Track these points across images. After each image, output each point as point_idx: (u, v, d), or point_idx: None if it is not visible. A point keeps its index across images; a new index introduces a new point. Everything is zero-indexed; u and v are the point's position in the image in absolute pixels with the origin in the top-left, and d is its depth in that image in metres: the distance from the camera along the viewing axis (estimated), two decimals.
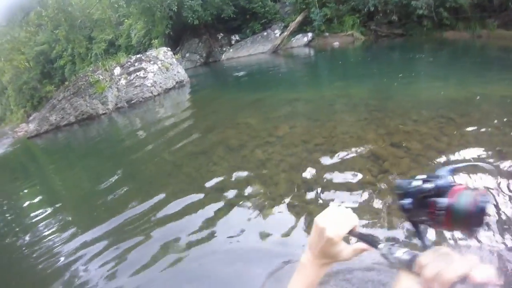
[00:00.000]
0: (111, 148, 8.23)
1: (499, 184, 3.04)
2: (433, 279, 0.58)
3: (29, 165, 10.70)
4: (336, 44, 15.69)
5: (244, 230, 3.23)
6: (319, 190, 3.52)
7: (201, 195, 4.04)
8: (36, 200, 6.31)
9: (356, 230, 0.81)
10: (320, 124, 5.37)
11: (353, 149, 4.15)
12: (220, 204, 3.75)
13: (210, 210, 3.69)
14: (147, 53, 13.59)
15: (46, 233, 4.44)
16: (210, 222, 3.47)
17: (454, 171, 0.74)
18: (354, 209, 2.79)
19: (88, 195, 5.53)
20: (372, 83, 7.79)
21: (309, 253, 0.83)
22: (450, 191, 0.65)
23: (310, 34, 17.32)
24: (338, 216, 0.82)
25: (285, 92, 8.58)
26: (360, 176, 3.57)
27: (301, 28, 17.86)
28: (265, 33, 18.99)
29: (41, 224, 4.81)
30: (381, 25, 15.44)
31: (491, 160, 3.46)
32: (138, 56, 13.22)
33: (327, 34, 16.75)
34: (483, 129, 4.12)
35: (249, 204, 3.61)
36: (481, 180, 3.11)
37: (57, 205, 5.58)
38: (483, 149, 3.63)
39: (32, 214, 5.38)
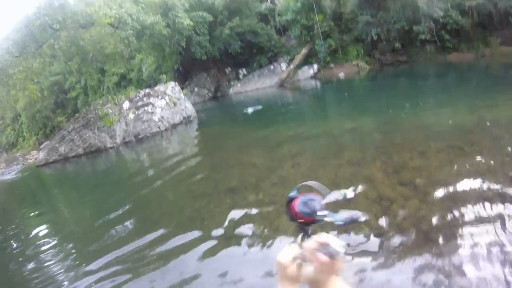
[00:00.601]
0: (117, 182, 8.24)
1: None
2: (304, 248, 1.04)
3: (37, 192, 10.79)
4: (341, 74, 15.86)
5: (242, 276, 3.11)
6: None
7: (200, 237, 3.92)
8: (41, 227, 6.37)
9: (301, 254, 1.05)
10: (325, 162, 5.27)
11: (359, 191, 3.99)
12: (218, 246, 3.63)
13: (207, 252, 3.57)
14: (155, 88, 13.90)
15: (48, 261, 4.50)
16: (205, 264, 3.37)
17: (299, 189, 1.21)
18: (358, 255, 2.74)
19: (91, 226, 5.55)
20: (378, 114, 7.74)
21: (279, 283, 1.07)
22: (296, 198, 1.13)
23: (315, 66, 17.61)
24: (286, 248, 1.10)
25: (290, 128, 8.57)
26: (365, 221, 3.39)
27: (307, 60, 18.20)
28: (271, 67, 19.39)
29: (44, 251, 4.92)
30: (385, 53, 15.63)
31: (506, 189, 3.29)
32: (146, 91, 13.52)
33: (332, 65, 17.00)
34: (494, 158, 3.96)
35: (247, 248, 3.48)
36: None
37: (61, 234, 5.65)
38: (496, 181, 3.46)
39: (36, 241, 5.47)
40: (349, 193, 4.03)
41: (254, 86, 19.09)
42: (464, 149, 4.37)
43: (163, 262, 3.64)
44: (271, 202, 4.42)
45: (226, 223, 4.11)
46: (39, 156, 15.62)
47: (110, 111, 12.62)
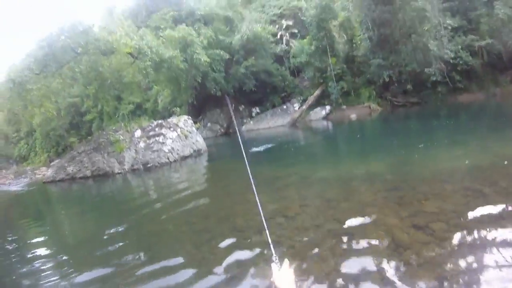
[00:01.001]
0: (119, 207, 8.19)
1: None
2: None
3: (40, 207, 10.77)
4: (353, 116, 15.93)
5: None
6: (329, 285, 3.12)
7: (197, 275, 3.73)
8: (39, 238, 6.48)
9: None
10: (334, 205, 5.06)
11: (371, 236, 3.75)
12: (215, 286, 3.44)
13: None
14: (168, 120, 14.16)
15: (40, 269, 4.62)
16: None
17: None
18: None
19: (89, 243, 5.57)
20: (390, 156, 7.60)
21: None
22: None
23: (328, 107, 17.80)
24: None
25: (300, 168, 8.43)
26: (379, 268, 3.17)
27: (319, 101, 18.46)
28: (284, 106, 19.71)
29: (38, 259, 5.05)
30: (397, 95, 15.74)
31: None
32: (159, 121, 13.76)
33: (344, 106, 17.17)
34: None
35: None
36: None
37: (56, 246, 5.79)
38: None
39: (32, 249, 5.62)
40: (361, 238, 3.80)
41: (267, 124, 19.33)
42: (482, 191, 4.18)
43: None
44: (277, 244, 4.27)
45: (227, 263, 3.91)
46: (47, 172, 15.78)
47: (121, 137, 12.82)
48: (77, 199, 10.29)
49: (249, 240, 4.49)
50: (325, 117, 17.60)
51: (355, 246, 3.67)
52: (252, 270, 3.63)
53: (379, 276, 3.08)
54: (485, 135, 7.32)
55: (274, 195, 6.38)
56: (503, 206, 3.69)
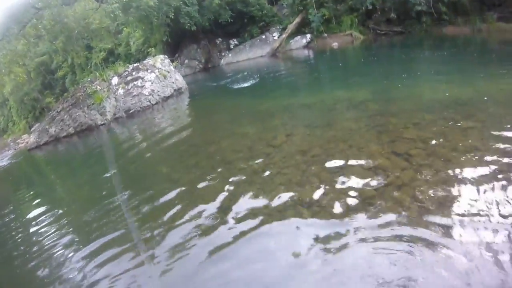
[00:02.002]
0: (109, 158, 8.02)
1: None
2: None
3: (30, 176, 10.65)
4: (335, 44, 15.51)
5: (239, 246, 3.10)
6: (316, 205, 3.34)
7: (195, 210, 3.89)
8: (37, 209, 6.27)
9: None
10: (319, 133, 5.19)
11: (353, 160, 3.95)
12: (214, 218, 3.61)
13: (202, 225, 3.54)
14: (144, 61, 13.49)
15: (46, 241, 4.53)
16: (202, 238, 3.34)
17: None
18: (354, 227, 2.68)
19: (88, 204, 5.48)
20: (373, 85, 7.56)
21: None
22: None
23: (308, 36, 17.15)
24: None
25: (283, 98, 8.41)
26: (361, 190, 3.38)
27: (300, 30, 17.69)
28: (263, 37, 18.85)
29: (42, 232, 4.91)
30: (380, 23, 15.24)
31: (500, 162, 3.24)
32: (135, 65, 13.10)
33: (325, 34, 16.58)
34: (489, 131, 3.92)
35: (243, 219, 3.45)
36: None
37: (57, 214, 5.63)
38: (490, 153, 3.43)
39: (33, 222, 5.47)
40: (343, 162, 3.99)
41: (246, 56, 18.64)
42: (460, 123, 4.30)
43: (161, 237, 3.63)
44: (265, 172, 4.33)
45: (221, 195, 4.07)
46: (30, 139, 15.30)
47: (99, 88, 12.26)
48: (66, 160, 10.18)
49: (239, 171, 4.57)
50: (306, 46, 17.03)
51: (340, 171, 3.84)
52: (244, 204, 3.78)
53: (361, 196, 3.30)
54: (467, 70, 7.26)
55: (259, 126, 6.46)
56: (478, 137, 3.85)
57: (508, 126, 3.93)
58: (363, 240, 2.76)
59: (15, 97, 31.16)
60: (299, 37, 17.43)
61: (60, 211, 5.80)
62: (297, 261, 2.75)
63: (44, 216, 5.63)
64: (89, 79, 13.36)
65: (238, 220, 3.47)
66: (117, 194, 5.22)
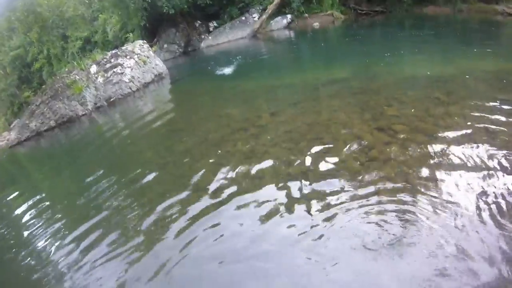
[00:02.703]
0: (94, 149, 7.90)
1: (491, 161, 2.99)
2: None
3: (14, 175, 10.34)
4: (316, 24, 15.42)
5: (228, 226, 3.15)
6: (304, 182, 3.40)
7: (184, 195, 3.90)
8: (23, 207, 6.12)
9: None
10: (303, 111, 5.21)
11: (338, 137, 4.01)
12: (203, 202, 3.62)
13: (193, 209, 3.56)
14: (123, 47, 13.13)
15: (37, 239, 4.43)
16: (194, 222, 3.35)
17: None
18: (342, 201, 2.82)
19: (75, 199, 5.32)
20: (354, 64, 7.60)
21: None
22: None
23: (289, 16, 16.98)
24: None
25: (266, 78, 8.40)
26: (346, 166, 3.45)
27: (280, 11, 17.48)
28: (243, 18, 18.54)
29: (32, 230, 4.77)
30: (361, 3, 15.19)
31: (479, 135, 3.36)
32: (113, 52, 12.75)
33: (306, 15, 16.45)
34: (469, 108, 4.02)
35: (232, 200, 3.49)
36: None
37: (46, 211, 5.46)
38: (470, 129, 3.55)
39: (21, 221, 5.35)
40: (328, 139, 4.05)
41: (226, 38, 18.33)
42: (440, 99, 4.40)
43: (153, 222, 3.62)
44: (252, 152, 4.37)
45: (209, 178, 4.08)
46: (10, 136, 14.86)
47: (77, 77, 11.93)
48: (49, 153, 9.98)
49: (227, 153, 4.59)
50: (287, 27, 16.86)
51: (324, 148, 3.90)
52: (233, 184, 3.80)
53: (348, 171, 3.39)
54: (448, 49, 7.36)
55: (243, 107, 6.42)
56: (459, 112, 3.95)
57: (488, 101, 4.06)
58: (350, 210, 2.86)
59: None
60: (279, 17, 17.22)
61: (48, 208, 5.63)
62: (289, 234, 2.83)
63: (32, 214, 5.52)
64: (66, 70, 12.99)
65: (226, 200, 3.52)
66: (103, 187, 5.13)
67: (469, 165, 3.04)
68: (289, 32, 16.11)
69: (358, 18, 14.61)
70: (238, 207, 3.34)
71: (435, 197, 2.76)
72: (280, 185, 3.47)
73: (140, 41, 13.90)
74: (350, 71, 7.03)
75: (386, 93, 5.08)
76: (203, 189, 3.87)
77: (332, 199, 3.04)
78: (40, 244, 4.19)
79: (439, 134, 3.58)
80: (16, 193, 7.48)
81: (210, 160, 4.52)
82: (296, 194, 3.28)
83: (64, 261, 3.56)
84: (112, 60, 12.23)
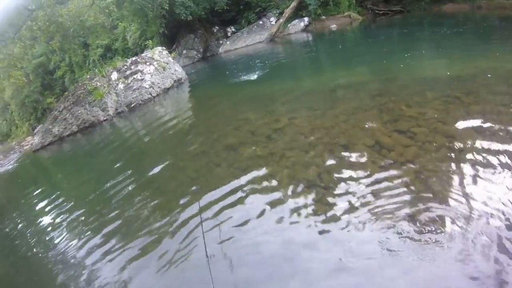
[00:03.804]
0: (115, 152, 8.12)
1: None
2: None
3: (38, 177, 10.66)
4: (333, 26, 15.30)
5: (248, 229, 3.14)
6: (322, 186, 3.36)
7: (203, 198, 3.91)
8: (48, 209, 6.26)
9: None
10: (321, 114, 5.17)
11: (356, 140, 3.95)
12: (221, 205, 3.63)
13: (211, 212, 3.57)
14: (142, 54, 13.39)
15: (59, 241, 4.56)
16: (213, 224, 3.37)
17: None
18: (359, 205, 2.82)
19: (98, 200, 5.50)
20: (373, 65, 7.46)
21: None
22: None
23: (306, 19, 16.92)
24: None
25: (284, 82, 8.34)
26: (365, 169, 3.39)
27: (297, 14, 17.44)
28: (260, 22, 18.59)
29: (55, 232, 4.93)
30: (378, 3, 14.97)
31: (500, 141, 3.21)
32: (133, 58, 13.01)
33: (323, 17, 16.34)
34: (491, 108, 3.88)
35: (251, 204, 3.49)
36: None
37: (70, 213, 5.58)
38: (492, 130, 3.42)
39: (45, 223, 5.52)
40: (346, 142, 3.99)
41: (244, 43, 18.39)
42: (461, 99, 4.27)
43: (170, 224, 3.68)
44: (269, 156, 4.35)
45: (227, 180, 4.10)
46: (34, 141, 15.30)
47: (98, 84, 12.21)
48: (73, 158, 10.14)
49: (244, 157, 4.60)
50: (305, 29, 16.79)
51: (343, 150, 3.86)
52: (251, 189, 3.81)
53: (366, 174, 3.32)
54: (469, 47, 7.14)
55: (262, 111, 6.38)
56: (481, 112, 3.80)
57: (510, 102, 3.91)
58: (370, 217, 2.79)
59: (16, 100, 31.16)
60: (297, 20, 17.19)
61: (71, 210, 5.74)
62: (307, 240, 2.80)
63: (55, 215, 5.66)
64: (88, 77, 13.28)
65: (248, 202, 3.52)
66: (125, 189, 5.24)
67: (492, 167, 2.92)
68: (306, 35, 16.03)
69: (376, 19, 14.39)
70: (255, 210, 3.34)
71: (457, 201, 2.68)
72: (297, 188, 3.45)
73: (159, 48, 14.12)
74: (368, 73, 6.92)
75: (405, 94, 4.97)
76: (218, 193, 3.88)
77: (350, 204, 3.00)
78: (58, 242, 4.41)
79: (460, 136, 3.47)
80: (40, 195, 7.71)
81: (228, 164, 4.54)
82: (313, 198, 3.24)
83: (83, 258, 3.74)
84: (132, 67, 12.45)
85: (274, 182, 3.69)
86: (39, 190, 8.15)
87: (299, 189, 3.42)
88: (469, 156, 3.13)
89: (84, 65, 25.77)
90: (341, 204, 3.02)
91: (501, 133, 3.32)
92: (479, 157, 3.06)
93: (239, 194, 3.70)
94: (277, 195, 3.49)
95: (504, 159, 2.96)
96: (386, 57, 7.81)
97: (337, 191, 3.20)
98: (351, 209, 2.93)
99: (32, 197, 7.75)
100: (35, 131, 22.84)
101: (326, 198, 3.17)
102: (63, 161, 10.53)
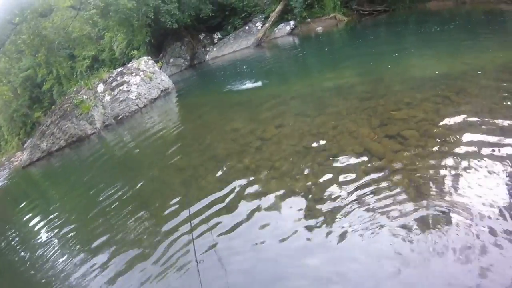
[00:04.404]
0: (103, 166, 8.03)
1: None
2: None
3: (28, 194, 10.47)
4: (319, 29, 15.33)
5: (234, 244, 3.08)
6: (310, 198, 3.26)
7: (189, 213, 3.79)
8: (38, 225, 6.27)
9: None
10: (309, 121, 5.07)
11: (346, 147, 3.85)
12: (210, 220, 3.55)
13: (199, 229, 3.47)
14: (128, 65, 13.25)
15: (49, 256, 4.59)
16: (199, 241, 3.27)
17: None
18: (351, 216, 2.72)
19: (86, 215, 5.45)
20: (360, 67, 7.41)
21: None
22: None
23: (292, 22, 16.94)
24: None
25: (271, 87, 8.30)
26: (355, 178, 3.29)
27: (283, 17, 17.44)
28: (246, 27, 18.58)
29: (45, 248, 4.93)
30: (363, 3, 15.01)
31: (495, 136, 3.17)
32: (119, 69, 12.89)
33: (309, 20, 16.37)
34: (482, 106, 3.81)
35: (238, 218, 3.40)
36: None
37: (60, 228, 5.59)
38: (484, 129, 3.34)
39: (37, 239, 5.55)
40: (335, 150, 3.89)
41: (231, 49, 18.33)
42: (451, 98, 4.20)
43: (158, 238, 3.65)
44: (257, 167, 4.27)
45: (214, 194, 4.03)
46: (23, 157, 15.09)
47: (85, 97, 12.07)
48: (60, 173, 10.15)
49: (231, 169, 4.55)
50: (291, 33, 16.80)
51: (331, 160, 3.75)
52: (238, 202, 3.73)
53: (356, 184, 3.22)
54: (456, 44, 7.08)
55: (248, 119, 6.31)
56: (472, 113, 3.71)
57: (502, 98, 3.84)
58: (360, 226, 2.71)
59: (4, 115, 30.82)
60: (282, 24, 17.19)
61: (61, 227, 5.71)
62: (297, 248, 2.73)
63: (46, 231, 5.66)
64: (75, 89, 13.15)
65: (235, 213, 3.47)
66: (113, 203, 5.18)
67: (486, 168, 2.85)
68: (293, 38, 16.04)
69: (362, 19, 14.43)
70: (242, 224, 3.28)
71: (450, 206, 2.59)
72: (285, 202, 3.36)
73: (145, 58, 14.02)
74: (356, 75, 6.86)
75: (394, 96, 4.89)
76: (205, 207, 3.80)
77: (340, 214, 2.91)
78: (48, 257, 4.46)
79: (451, 138, 3.39)
80: (27, 208, 7.87)
81: (215, 177, 4.43)
82: (301, 211, 3.15)
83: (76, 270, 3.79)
84: (118, 78, 12.34)
85: (261, 195, 3.60)
86: (29, 207, 8.11)
87: (286, 201, 3.35)
88: (461, 159, 3.05)
89: (72, 77, 25.52)
90: (330, 215, 2.93)
91: (493, 132, 3.24)
92: (473, 159, 2.99)
93: (226, 208, 3.62)
94: (264, 204, 3.43)
95: (497, 159, 2.90)
96: (374, 57, 7.73)
97: (325, 202, 3.12)
98: (340, 218, 2.86)
99: (22, 214, 7.73)
100: (24, 146, 22.52)
101: (315, 210, 3.08)
102: (52, 177, 10.44)
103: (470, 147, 3.14)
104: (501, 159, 2.89)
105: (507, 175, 2.72)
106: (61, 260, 4.29)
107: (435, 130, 3.59)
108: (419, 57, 6.85)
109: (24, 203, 8.82)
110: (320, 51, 11.95)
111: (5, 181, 15.19)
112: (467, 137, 3.32)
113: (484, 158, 2.95)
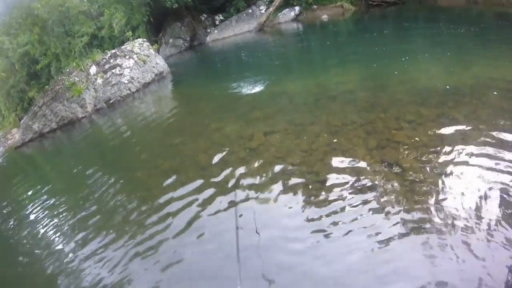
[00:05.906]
0: (93, 153, 8.00)
1: None
2: None
3: (22, 176, 10.25)
4: (325, 17, 14.69)
5: (210, 263, 2.91)
6: (291, 228, 2.92)
7: (166, 223, 3.63)
8: (32, 204, 6.17)
9: None
10: (300, 130, 4.63)
11: (336, 171, 3.46)
12: (187, 232, 3.37)
13: (175, 242, 3.31)
14: (122, 47, 12.68)
15: (48, 235, 4.62)
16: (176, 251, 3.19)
17: None
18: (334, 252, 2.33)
19: (79, 197, 5.40)
20: (364, 69, 6.88)
21: None
22: None
23: (297, 8, 16.29)
24: None
25: (267, 82, 7.80)
26: (342, 211, 2.94)
27: (288, 2, 16.78)
28: (249, 10, 17.87)
29: (42, 227, 4.95)
30: None
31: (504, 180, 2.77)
32: (113, 51, 12.35)
33: (315, 6, 15.75)
34: (492, 136, 3.36)
35: (209, 236, 3.19)
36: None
37: (51, 206, 5.65)
38: (493, 167, 2.94)
39: (32, 218, 5.50)
40: (323, 175, 3.50)
41: (232, 32, 17.69)
42: (458, 120, 3.77)
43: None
44: (240, 182, 3.90)
45: (194, 205, 3.80)
46: (15, 137, 14.81)
47: (76, 79, 11.63)
48: (52, 157, 9.89)
49: (214, 182, 4.17)
50: (295, 19, 16.17)
51: (317, 186, 3.39)
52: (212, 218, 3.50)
53: (343, 218, 2.90)
54: (467, 50, 6.56)
55: (237, 121, 5.84)
56: (481, 141, 3.32)
57: (506, 118, 3.49)
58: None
59: (1, 91, 30.38)
60: (287, 10, 16.53)
61: (51, 203, 5.80)
62: None
63: (38, 212, 5.61)
64: (67, 70, 12.69)
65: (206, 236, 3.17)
66: (104, 190, 5.15)
67: (496, 217, 2.49)
68: (297, 25, 15.42)
69: (369, 10, 13.79)
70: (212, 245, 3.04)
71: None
72: (264, 227, 3.03)
73: (140, 40, 13.50)
74: (358, 78, 6.36)
75: (396, 110, 4.41)
76: (183, 218, 3.62)
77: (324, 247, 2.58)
78: (51, 249, 4.29)
79: (456, 173, 3.00)
80: (26, 192, 7.53)
81: (195, 186, 4.11)
82: (278, 241, 2.83)
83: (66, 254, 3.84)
84: (112, 61, 11.85)
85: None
86: (24, 187, 7.99)
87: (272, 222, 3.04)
88: (460, 201, 2.69)
89: (70, 54, 24.91)
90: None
91: (504, 173, 2.83)
92: (478, 208, 2.62)
93: (202, 223, 3.41)
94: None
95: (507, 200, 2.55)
96: (379, 58, 7.16)
97: (307, 238, 2.78)
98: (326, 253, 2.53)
99: (17, 193, 7.65)
100: (21, 121, 22.23)
101: (299, 239, 2.76)
102: (44, 159, 10.22)
103: (477, 192, 2.74)
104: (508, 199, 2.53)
105: None
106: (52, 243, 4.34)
107: (438, 162, 3.19)
108: (428, 63, 6.31)
109: (20, 182, 8.64)
110: (324, 43, 11.33)
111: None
112: (474, 172, 2.94)
113: (493, 202, 2.59)
